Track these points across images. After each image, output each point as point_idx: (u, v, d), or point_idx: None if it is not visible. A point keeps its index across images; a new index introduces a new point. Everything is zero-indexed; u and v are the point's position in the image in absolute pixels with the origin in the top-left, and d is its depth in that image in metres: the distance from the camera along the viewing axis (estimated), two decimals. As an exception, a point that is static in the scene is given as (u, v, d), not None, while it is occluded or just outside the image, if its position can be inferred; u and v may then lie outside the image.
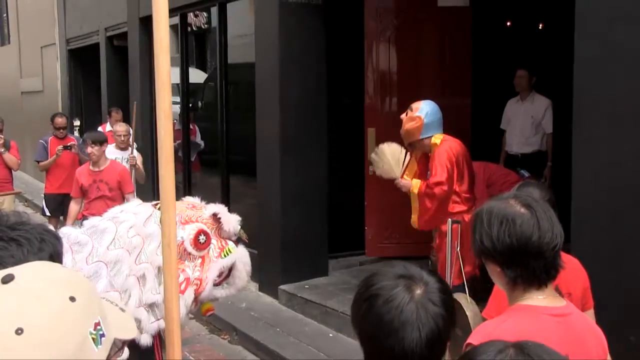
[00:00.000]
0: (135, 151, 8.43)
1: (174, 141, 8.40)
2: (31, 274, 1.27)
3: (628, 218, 4.04)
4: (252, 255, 7.97)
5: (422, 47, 7.99)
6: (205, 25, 10.10)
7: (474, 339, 2.06)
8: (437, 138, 5.21)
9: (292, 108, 7.30)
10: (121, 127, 8.52)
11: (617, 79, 4.10)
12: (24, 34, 17.14)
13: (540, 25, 9.30)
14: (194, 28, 10.33)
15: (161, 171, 2.24)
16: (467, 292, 4.17)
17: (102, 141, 7.23)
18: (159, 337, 3.92)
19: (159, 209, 3.87)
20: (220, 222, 4.12)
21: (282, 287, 7.32)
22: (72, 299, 1.24)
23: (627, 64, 4.06)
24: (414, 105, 5.34)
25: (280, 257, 7.40)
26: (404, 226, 7.65)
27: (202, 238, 4.04)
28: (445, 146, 5.11)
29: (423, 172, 5.41)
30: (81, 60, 13.60)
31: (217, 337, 6.82)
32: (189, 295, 3.96)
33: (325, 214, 7.50)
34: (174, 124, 9.75)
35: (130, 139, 8.42)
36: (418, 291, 1.68)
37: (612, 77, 4.13)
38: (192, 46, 10.55)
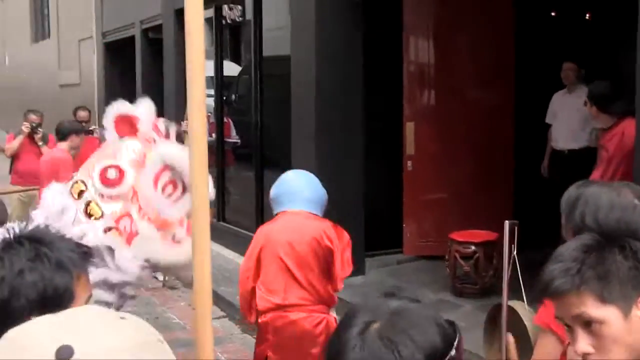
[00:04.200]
0: None
1: (209, 135, 8.15)
2: (91, 342, 0.99)
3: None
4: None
5: (463, 38, 7.70)
6: (240, 18, 9.93)
7: None
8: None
9: (328, 102, 7.08)
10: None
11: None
12: (62, 28, 17.20)
13: (587, 15, 8.94)
14: (229, 21, 10.17)
15: (194, 177, 2.00)
16: (524, 299, 3.86)
17: None
18: None
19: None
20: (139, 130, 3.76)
21: (317, 286, 7.10)
22: None
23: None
24: None
25: (315, 255, 7.19)
26: (443, 224, 7.43)
27: (110, 173, 3.69)
28: (261, 230, 4.11)
29: None
30: (117, 53, 13.54)
31: (250, 337, 6.63)
32: (148, 230, 3.66)
33: (361, 211, 7.26)
34: (208, 117, 9.67)
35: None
36: (375, 325, 1.32)
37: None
38: (227, 39, 10.40)
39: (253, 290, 3.95)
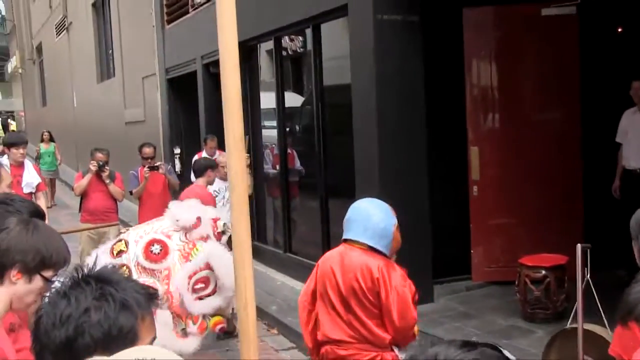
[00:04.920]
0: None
1: (274, 167, 8.25)
2: None
3: None
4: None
5: (526, 59, 7.61)
6: (301, 49, 10.00)
7: None
8: None
9: (390, 128, 7.05)
10: (224, 158, 8.42)
11: None
12: (127, 66, 17.61)
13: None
14: (290, 52, 10.25)
15: (234, 213, 2.00)
16: (606, 323, 3.73)
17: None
18: None
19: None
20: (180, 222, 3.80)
21: (386, 315, 7.02)
22: None
23: None
24: None
25: (383, 284, 7.11)
26: (511, 249, 7.29)
27: (155, 248, 3.71)
28: (323, 257, 4.11)
29: None
30: (180, 88, 13.78)
31: (319, 368, 6.57)
32: (164, 315, 3.67)
33: (428, 237, 7.17)
34: (272, 149, 9.72)
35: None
36: None
37: None
38: (288, 70, 10.47)
39: (309, 313, 3.90)
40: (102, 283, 1.63)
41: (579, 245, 3.76)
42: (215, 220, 4.19)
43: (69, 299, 1.58)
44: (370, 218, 3.76)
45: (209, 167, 7.69)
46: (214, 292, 3.91)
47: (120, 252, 3.87)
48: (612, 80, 7.65)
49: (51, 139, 18.55)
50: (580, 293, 3.54)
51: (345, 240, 3.80)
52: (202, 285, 3.88)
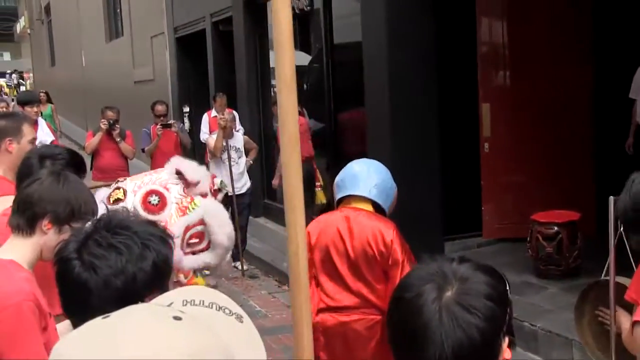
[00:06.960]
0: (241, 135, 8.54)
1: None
2: (139, 354, 0.89)
3: None
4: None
5: (537, 15, 7.50)
6: (308, 7, 9.89)
7: None
8: None
9: (401, 87, 6.99)
10: (228, 116, 8.53)
11: None
12: (135, 26, 17.51)
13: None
14: (297, 10, 10.14)
15: (285, 166, 1.95)
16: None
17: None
18: None
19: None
20: (183, 177, 3.77)
21: (397, 271, 7.04)
22: None
23: None
24: None
25: (394, 241, 7.12)
26: (522, 206, 7.28)
27: (153, 199, 3.68)
28: (318, 220, 3.92)
29: None
30: (189, 47, 13.71)
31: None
32: None
33: (439, 194, 7.15)
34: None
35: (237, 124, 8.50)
36: (448, 293, 1.36)
37: None
38: (296, 29, 10.37)
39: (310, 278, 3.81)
40: (134, 226, 1.70)
41: (611, 198, 3.70)
42: (213, 177, 4.17)
43: (116, 248, 1.64)
44: (376, 176, 3.64)
45: None
46: (207, 248, 3.90)
47: (117, 200, 3.83)
48: (625, 36, 7.55)
49: (48, 100, 16.51)
50: (612, 245, 3.48)
51: (347, 198, 3.64)
52: (197, 240, 3.86)
